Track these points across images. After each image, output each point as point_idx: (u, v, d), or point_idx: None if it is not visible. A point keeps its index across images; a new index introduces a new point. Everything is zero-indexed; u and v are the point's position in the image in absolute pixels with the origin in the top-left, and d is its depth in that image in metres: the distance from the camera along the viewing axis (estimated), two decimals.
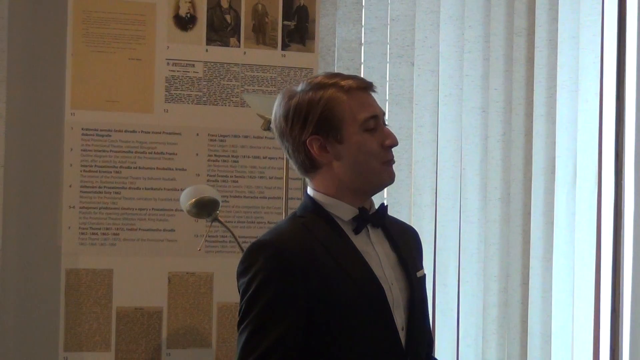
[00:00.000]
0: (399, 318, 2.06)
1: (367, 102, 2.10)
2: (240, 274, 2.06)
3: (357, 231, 2.10)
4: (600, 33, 3.87)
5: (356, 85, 2.09)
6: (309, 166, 2.12)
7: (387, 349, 2.04)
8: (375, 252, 2.10)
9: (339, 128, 2.07)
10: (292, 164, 2.17)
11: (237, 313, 2.07)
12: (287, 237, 2.07)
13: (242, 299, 2.05)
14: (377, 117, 2.09)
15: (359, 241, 2.10)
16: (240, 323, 2.03)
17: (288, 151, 2.15)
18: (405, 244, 2.18)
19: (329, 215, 2.11)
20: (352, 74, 2.18)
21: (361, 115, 2.07)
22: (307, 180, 2.16)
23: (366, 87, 2.11)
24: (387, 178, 2.12)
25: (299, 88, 2.12)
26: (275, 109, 2.16)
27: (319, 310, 2.01)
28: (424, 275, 2.19)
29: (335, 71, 3.44)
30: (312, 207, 2.12)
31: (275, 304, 1.99)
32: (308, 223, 2.09)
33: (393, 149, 2.12)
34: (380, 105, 2.16)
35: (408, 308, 2.09)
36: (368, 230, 2.12)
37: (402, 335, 2.06)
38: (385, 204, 2.19)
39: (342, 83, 2.09)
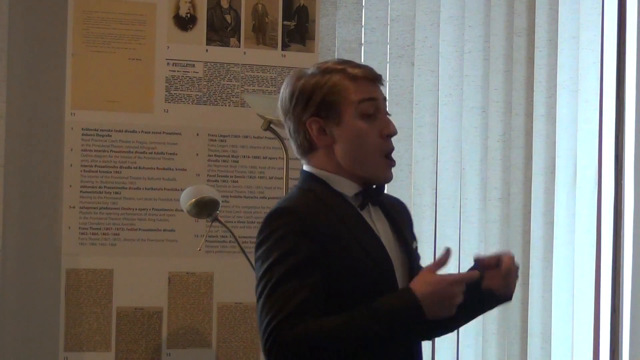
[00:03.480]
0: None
1: (370, 86, 2.11)
2: (261, 242, 2.05)
3: (361, 207, 2.12)
4: (600, 33, 3.88)
5: (362, 75, 2.11)
6: (307, 148, 2.13)
7: None
8: (376, 229, 2.12)
9: (339, 112, 2.09)
10: (291, 144, 2.18)
11: (256, 283, 2.04)
12: (303, 203, 2.07)
13: (264, 262, 2.02)
14: (375, 100, 2.10)
15: (365, 218, 2.12)
16: (266, 284, 2.00)
17: (289, 131, 2.16)
18: (400, 218, 2.20)
19: (337, 191, 2.12)
20: (363, 64, 2.19)
21: (358, 96, 2.09)
22: (304, 161, 2.17)
23: (374, 78, 2.12)
24: (383, 173, 2.12)
25: (309, 71, 2.14)
26: (283, 88, 2.17)
27: (333, 277, 2.00)
28: (417, 247, 2.20)
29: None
30: (316, 184, 2.12)
31: (305, 259, 1.98)
32: (319, 194, 2.10)
33: (394, 150, 2.12)
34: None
35: (408, 282, 2.08)
36: (369, 208, 2.14)
37: None
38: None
39: (350, 70, 2.10)
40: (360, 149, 2.10)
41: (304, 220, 2.02)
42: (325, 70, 2.11)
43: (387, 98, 3.59)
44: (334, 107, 2.09)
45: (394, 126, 2.11)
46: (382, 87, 2.14)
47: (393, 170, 2.15)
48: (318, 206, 2.07)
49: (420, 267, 2.15)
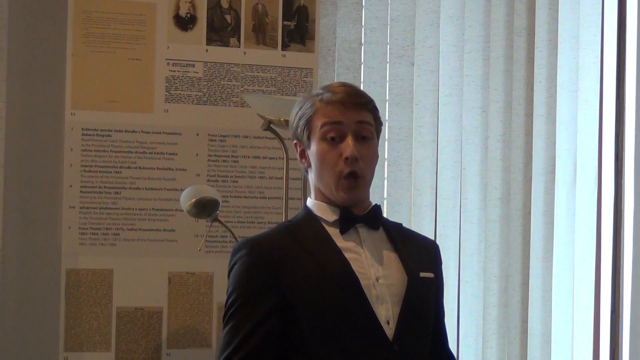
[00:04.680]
0: (385, 311, 2.10)
1: (335, 112, 2.15)
2: (228, 272, 2.17)
3: (342, 231, 2.17)
4: (600, 33, 3.87)
5: (336, 99, 2.16)
6: (304, 169, 2.24)
7: (370, 340, 2.07)
8: (363, 250, 2.15)
9: (309, 135, 2.17)
10: None
11: None
12: (265, 236, 2.19)
13: (227, 293, 2.15)
14: (339, 124, 2.14)
15: (347, 241, 2.16)
16: (223, 318, 2.14)
17: None
18: (413, 248, 2.22)
19: (317, 218, 2.19)
20: (350, 86, 2.21)
21: (321, 120, 2.15)
22: None
23: (349, 102, 2.15)
24: (342, 194, 2.16)
25: (304, 96, 2.24)
26: None
27: (295, 303, 2.07)
28: (431, 278, 2.21)
29: (337, 72, 3.49)
30: (303, 213, 2.23)
31: (247, 298, 2.09)
32: (292, 227, 2.20)
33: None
34: (379, 107, 2.22)
35: (401, 303, 2.11)
36: (358, 231, 2.17)
37: (388, 328, 2.09)
38: (376, 204, 2.24)
39: (326, 95, 2.17)
40: (322, 171, 2.16)
41: (256, 251, 2.11)
42: (309, 96, 2.21)
43: (387, 98, 3.64)
44: (306, 131, 2.18)
45: (352, 150, 2.12)
46: (364, 112, 2.16)
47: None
48: (282, 238, 2.15)
49: (423, 296, 2.17)
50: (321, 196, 2.20)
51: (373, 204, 2.23)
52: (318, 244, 2.14)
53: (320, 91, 2.19)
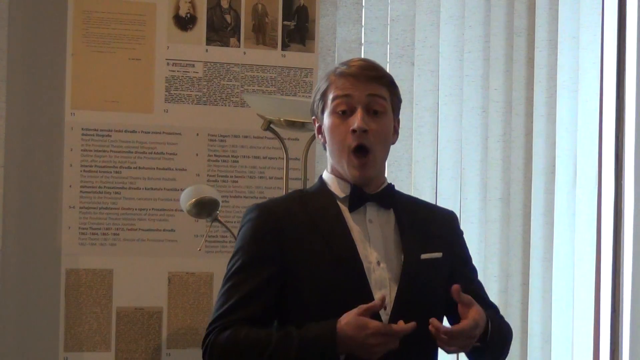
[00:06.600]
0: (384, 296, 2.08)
1: (346, 84, 2.12)
2: (238, 232, 2.18)
3: (351, 209, 2.14)
4: (600, 33, 3.87)
5: (348, 72, 2.14)
6: (322, 145, 2.22)
7: None
8: (367, 231, 2.13)
9: (323, 110, 2.16)
10: None
11: None
12: (276, 203, 2.18)
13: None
14: (348, 97, 2.11)
15: (354, 219, 2.14)
16: (225, 274, 2.14)
17: None
18: (422, 227, 2.18)
19: (330, 192, 2.18)
20: (367, 61, 2.19)
21: (332, 93, 2.14)
22: None
23: (361, 75, 2.12)
24: (352, 170, 2.13)
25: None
26: None
27: (294, 276, 2.07)
28: (437, 258, 2.16)
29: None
30: (318, 185, 2.21)
31: (249, 261, 2.09)
32: (305, 196, 2.19)
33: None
34: (400, 95, 2.22)
35: (397, 287, 2.10)
36: (366, 210, 2.15)
37: (384, 313, 2.07)
38: (392, 184, 2.21)
39: (340, 68, 2.16)
40: (332, 145, 2.15)
41: (268, 219, 2.11)
42: (329, 71, 2.19)
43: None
44: (320, 105, 2.17)
45: (360, 121, 2.10)
46: (377, 85, 2.14)
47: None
48: (292, 206, 2.14)
49: (427, 278, 2.13)
50: (335, 170, 2.18)
51: (387, 182, 2.21)
52: (327, 219, 2.12)
53: (339, 65, 2.17)
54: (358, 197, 2.14)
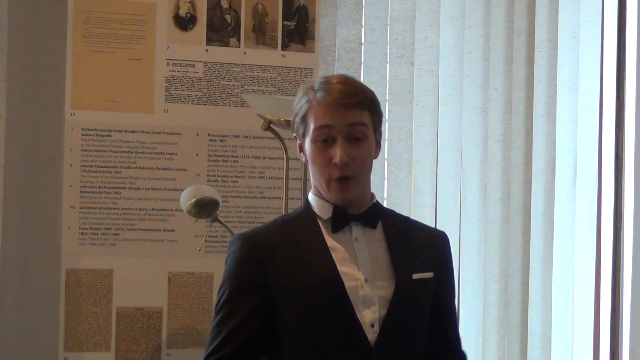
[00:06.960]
0: (371, 314, 2.09)
1: (327, 113, 2.12)
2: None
3: (334, 230, 2.15)
4: (600, 33, 3.87)
5: (327, 101, 2.12)
6: (304, 163, 2.23)
7: (349, 345, 2.07)
8: (354, 250, 2.14)
9: (305, 134, 2.16)
10: None
11: None
12: (258, 232, 2.20)
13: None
14: (329, 127, 2.11)
15: (338, 239, 2.15)
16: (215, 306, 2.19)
17: None
18: (412, 247, 2.19)
19: (313, 214, 2.19)
20: (346, 84, 2.16)
21: (313, 123, 2.13)
22: None
23: (341, 104, 2.11)
24: (334, 195, 2.15)
25: (302, 88, 2.20)
26: None
27: (278, 304, 2.09)
28: (428, 278, 2.18)
29: (337, 72, 3.47)
30: (302, 207, 2.23)
31: (233, 293, 2.13)
32: (287, 222, 2.20)
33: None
34: (380, 109, 2.19)
35: (388, 306, 2.10)
36: (352, 230, 2.16)
37: (372, 331, 2.08)
38: (378, 203, 2.23)
39: (319, 95, 2.13)
40: (315, 172, 2.16)
41: (251, 249, 2.13)
42: (306, 89, 2.17)
43: (387, 98, 3.64)
44: (302, 130, 2.16)
45: (342, 155, 2.09)
46: (357, 112, 2.12)
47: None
48: (274, 233, 2.17)
49: (418, 298, 2.15)
50: (317, 192, 2.20)
51: (374, 200, 2.21)
52: (308, 242, 2.13)
53: (319, 84, 2.15)
54: (341, 219, 2.15)
